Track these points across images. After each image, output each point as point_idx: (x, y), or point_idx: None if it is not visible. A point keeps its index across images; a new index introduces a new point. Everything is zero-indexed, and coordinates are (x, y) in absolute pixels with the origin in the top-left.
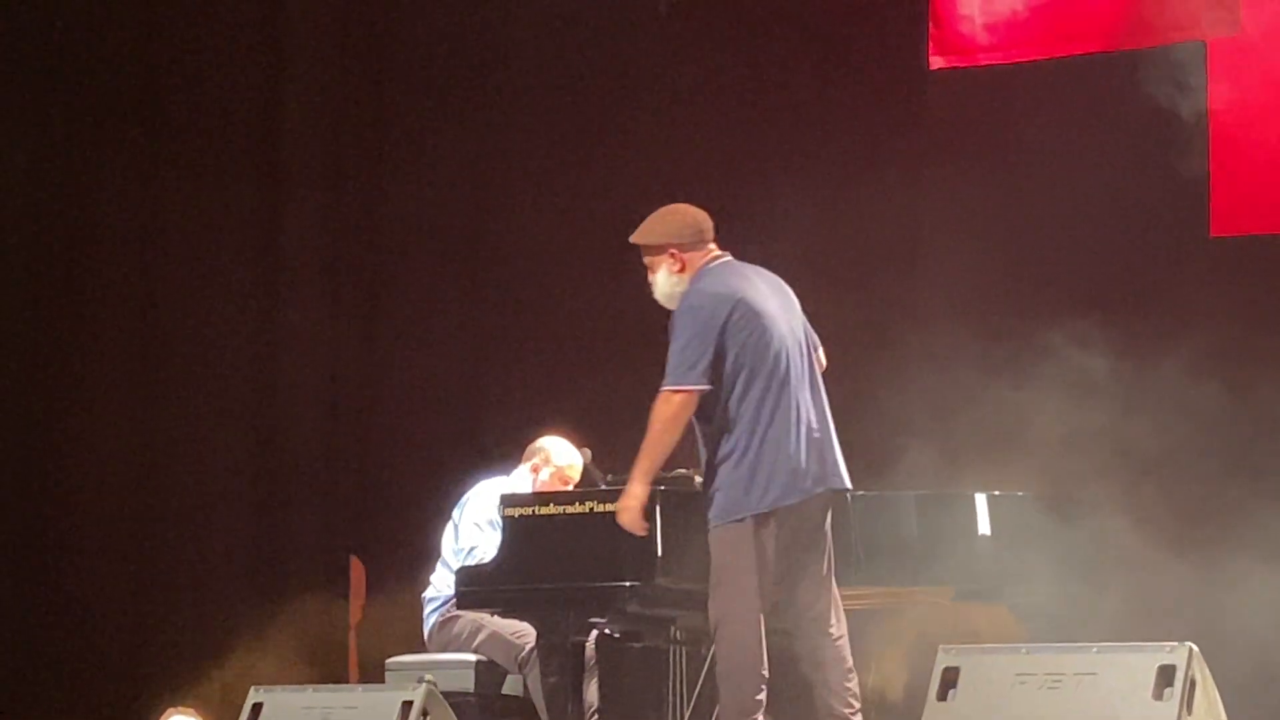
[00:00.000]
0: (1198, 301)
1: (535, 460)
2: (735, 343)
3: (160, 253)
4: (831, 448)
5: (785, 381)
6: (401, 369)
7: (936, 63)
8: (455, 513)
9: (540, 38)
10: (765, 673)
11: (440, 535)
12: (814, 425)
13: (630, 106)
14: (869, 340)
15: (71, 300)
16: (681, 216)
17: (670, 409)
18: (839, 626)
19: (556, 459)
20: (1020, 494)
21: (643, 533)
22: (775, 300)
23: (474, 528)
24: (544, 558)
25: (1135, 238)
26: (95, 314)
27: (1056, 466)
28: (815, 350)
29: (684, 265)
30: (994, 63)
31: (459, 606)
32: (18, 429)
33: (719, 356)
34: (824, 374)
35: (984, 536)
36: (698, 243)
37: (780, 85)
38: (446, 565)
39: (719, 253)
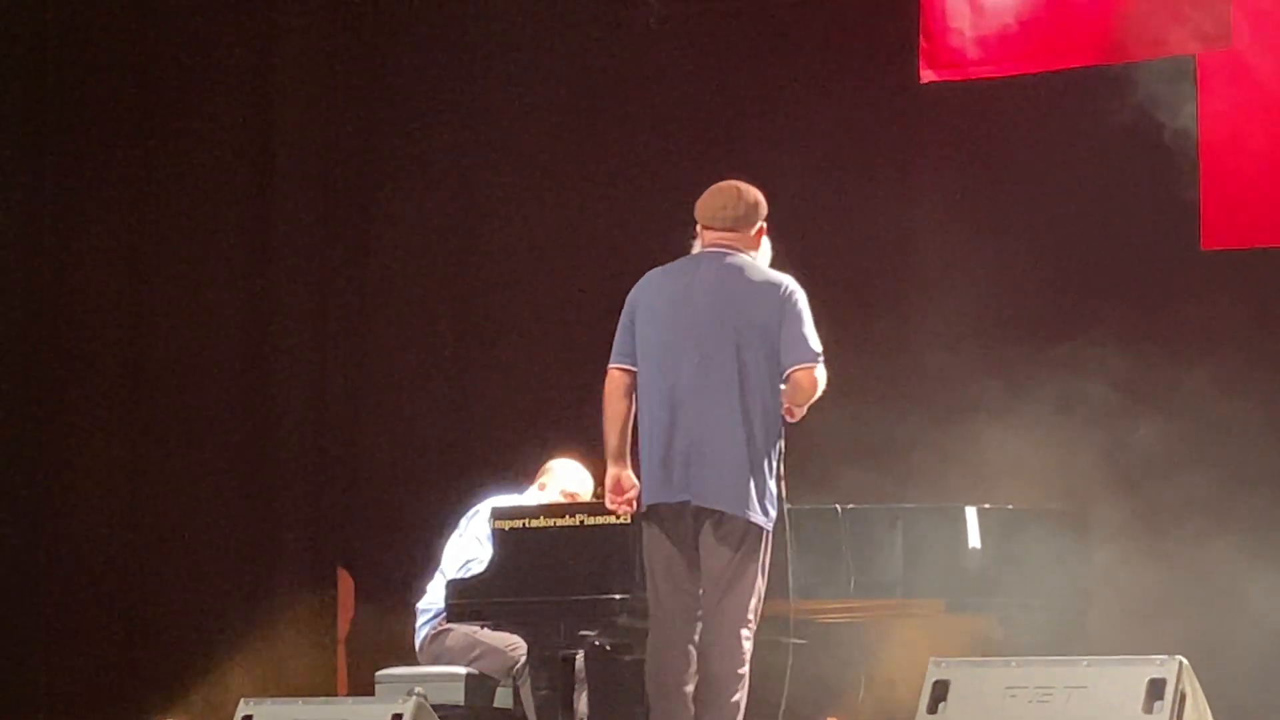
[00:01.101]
0: (1188, 315)
1: (544, 479)
2: (629, 332)
3: (150, 269)
4: (711, 465)
5: (675, 383)
6: (389, 383)
7: (927, 76)
8: (462, 523)
9: (529, 56)
10: (665, 680)
11: (440, 546)
12: (694, 434)
13: (619, 120)
14: (858, 351)
15: (63, 314)
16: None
17: (606, 386)
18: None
19: (563, 481)
20: (1010, 507)
21: (625, 506)
22: (703, 298)
23: (475, 541)
24: (534, 570)
25: (1126, 251)
26: (85, 329)
27: (1047, 478)
28: (774, 369)
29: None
30: (984, 76)
31: (449, 618)
32: (4, 441)
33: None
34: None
35: (974, 549)
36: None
37: (771, 98)
38: (444, 575)
39: (700, 242)
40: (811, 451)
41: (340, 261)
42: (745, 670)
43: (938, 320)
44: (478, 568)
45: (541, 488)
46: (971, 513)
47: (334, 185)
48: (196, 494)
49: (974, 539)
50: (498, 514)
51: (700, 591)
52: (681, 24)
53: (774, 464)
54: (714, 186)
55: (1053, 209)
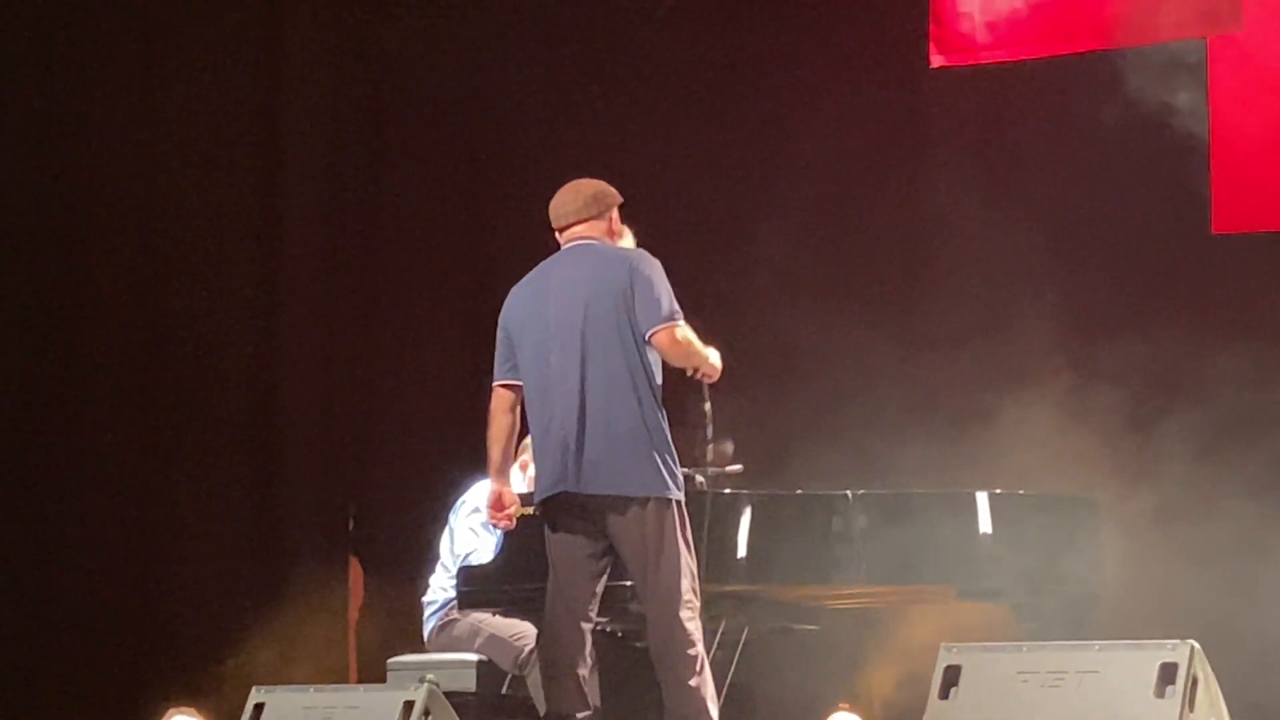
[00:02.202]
0: (1199, 298)
1: (525, 457)
2: (506, 347)
3: (160, 246)
4: (589, 450)
5: (546, 384)
6: (400, 369)
7: (937, 61)
8: (450, 517)
9: (538, 38)
10: (558, 663)
11: (438, 538)
12: (567, 425)
13: (627, 102)
14: (867, 336)
15: (72, 294)
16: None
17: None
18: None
19: None
20: (1021, 492)
21: (505, 522)
22: (562, 293)
23: (469, 532)
24: (544, 557)
25: (1136, 235)
26: (95, 309)
27: (1057, 464)
28: (635, 341)
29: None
30: (995, 61)
31: (460, 606)
32: (15, 420)
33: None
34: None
35: (985, 535)
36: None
37: (780, 84)
38: (445, 568)
39: (565, 243)
40: (820, 436)
41: (351, 241)
42: (697, 651)
43: (945, 301)
44: (477, 558)
45: (524, 466)
46: (983, 498)
47: (344, 151)
48: (207, 485)
49: (985, 525)
50: None
51: (603, 579)
52: (692, 8)
53: (665, 433)
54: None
55: (1062, 193)
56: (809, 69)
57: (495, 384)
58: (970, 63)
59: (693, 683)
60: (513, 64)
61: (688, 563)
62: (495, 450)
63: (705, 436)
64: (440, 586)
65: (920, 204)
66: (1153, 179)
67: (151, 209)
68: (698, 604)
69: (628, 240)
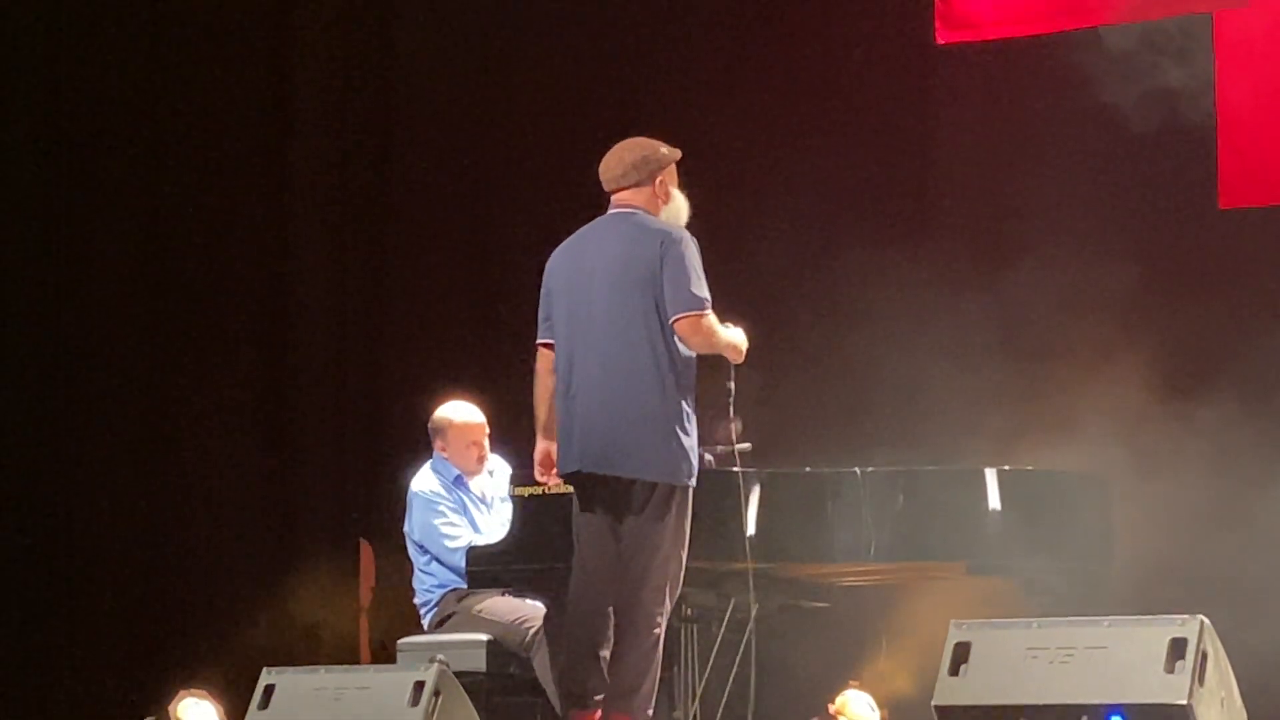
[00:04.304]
0: (1207, 273)
1: (437, 440)
2: (547, 306)
3: (167, 224)
4: (604, 430)
5: (572, 350)
6: (411, 351)
7: (944, 37)
8: (406, 528)
9: (550, 14)
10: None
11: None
12: (586, 401)
13: (634, 71)
14: (876, 311)
15: (80, 269)
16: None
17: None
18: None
19: (452, 432)
20: (1030, 468)
21: (552, 479)
22: (595, 261)
23: (448, 524)
24: (555, 537)
25: (1144, 210)
26: (106, 281)
27: (1067, 439)
28: (660, 321)
29: None
30: (1001, 37)
31: (470, 585)
32: (26, 399)
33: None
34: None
35: (994, 511)
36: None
37: (788, 61)
38: (426, 572)
39: (611, 207)
40: (826, 413)
41: (361, 216)
42: (656, 635)
43: (954, 278)
44: (470, 538)
45: (441, 449)
46: (991, 475)
47: (352, 117)
48: (219, 468)
49: (994, 501)
50: (515, 480)
51: (621, 556)
52: None
53: (684, 417)
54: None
55: (1069, 170)
56: (816, 45)
57: (538, 342)
58: (976, 39)
59: (642, 654)
60: (517, 58)
61: (671, 548)
62: (541, 410)
63: (728, 416)
64: (426, 589)
65: (927, 179)
66: (1159, 154)
67: (159, 195)
68: (671, 597)
69: (677, 204)
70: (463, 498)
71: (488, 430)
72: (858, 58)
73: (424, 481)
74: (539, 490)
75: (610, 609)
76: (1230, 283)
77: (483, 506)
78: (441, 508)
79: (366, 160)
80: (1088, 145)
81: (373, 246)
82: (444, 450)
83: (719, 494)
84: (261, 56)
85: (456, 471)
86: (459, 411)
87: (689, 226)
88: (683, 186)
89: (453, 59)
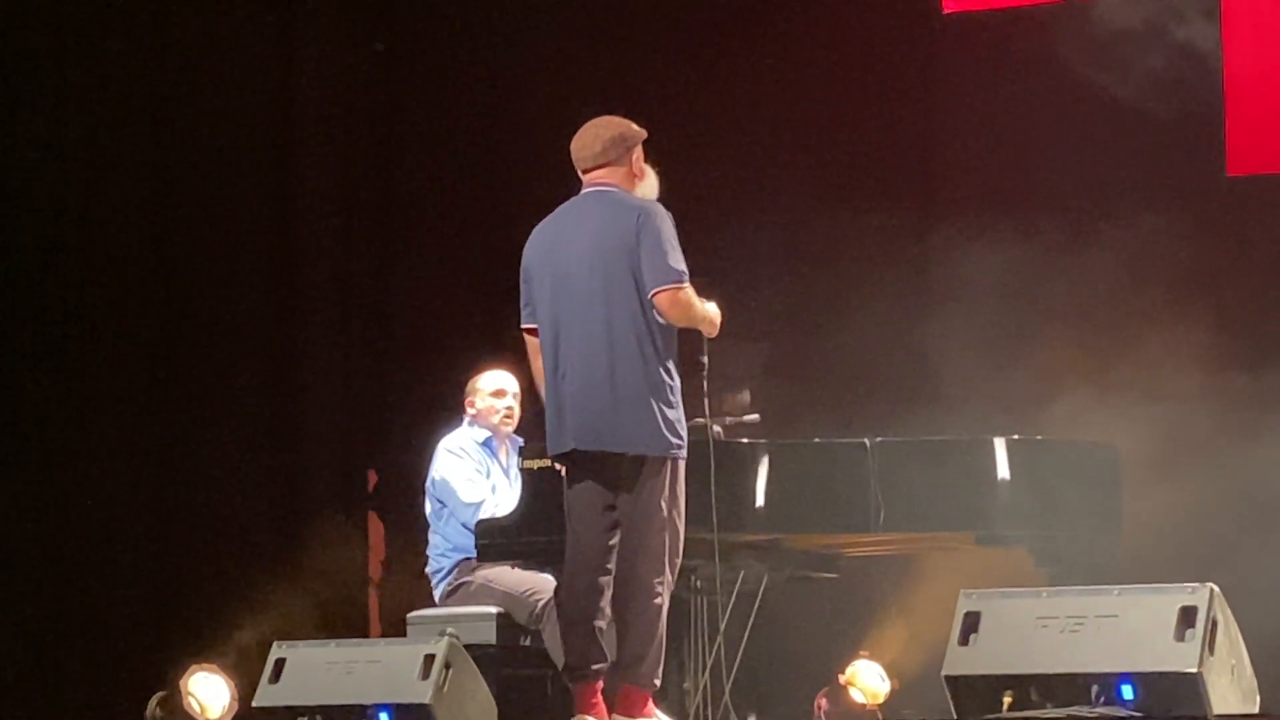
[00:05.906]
0: (1215, 240)
1: (470, 397)
2: (527, 290)
3: (175, 212)
4: (588, 406)
5: (557, 331)
6: (418, 324)
7: (951, 5)
8: (429, 486)
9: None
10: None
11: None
12: (574, 379)
13: (638, 45)
14: (883, 283)
15: (87, 254)
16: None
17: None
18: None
19: (483, 393)
20: (1039, 438)
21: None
22: (574, 240)
23: (467, 483)
24: (563, 509)
25: (1151, 178)
26: (112, 264)
27: (1078, 408)
28: (639, 296)
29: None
30: (1007, 5)
31: (479, 559)
32: (32, 377)
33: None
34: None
35: (1003, 481)
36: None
37: (792, 31)
38: (439, 534)
39: (585, 186)
40: (835, 383)
41: (365, 213)
42: (659, 603)
43: (962, 247)
44: (486, 498)
45: (470, 405)
46: (1000, 444)
47: (356, 111)
48: (227, 442)
49: (1003, 471)
50: (524, 453)
51: (617, 531)
52: None
53: (668, 390)
54: (582, 127)
55: (1076, 138)
56: (821, 15)
57: (522, 327)
58: (982, 7)
59: (645, 624)
60: (520, 54)
61: (667, 521)
62: (543, 392)
63: (703, 390)
64: (440, 553)
65: (933, 149)
66: (1167, 121)
67: (165, 194)
68: (671, 567)
69: (650, 181)
70: (488, 461)
71: (517, 394)
72: (864, 26)
73: (454, 438)
74: (548, 463)
75: (603, 582)
76: (1239, 249)
77: (507, 475)
78: (465, 460)
79: (372, 153)
80: (1092, 111)
81: (380, 219)
82: (472, 406)
83: (728, 465)
84: (266, 58)
85: (486, 433)
86: (489, 370)
87: (662, 200)
88: (694, 160)
89: (456, 58)
